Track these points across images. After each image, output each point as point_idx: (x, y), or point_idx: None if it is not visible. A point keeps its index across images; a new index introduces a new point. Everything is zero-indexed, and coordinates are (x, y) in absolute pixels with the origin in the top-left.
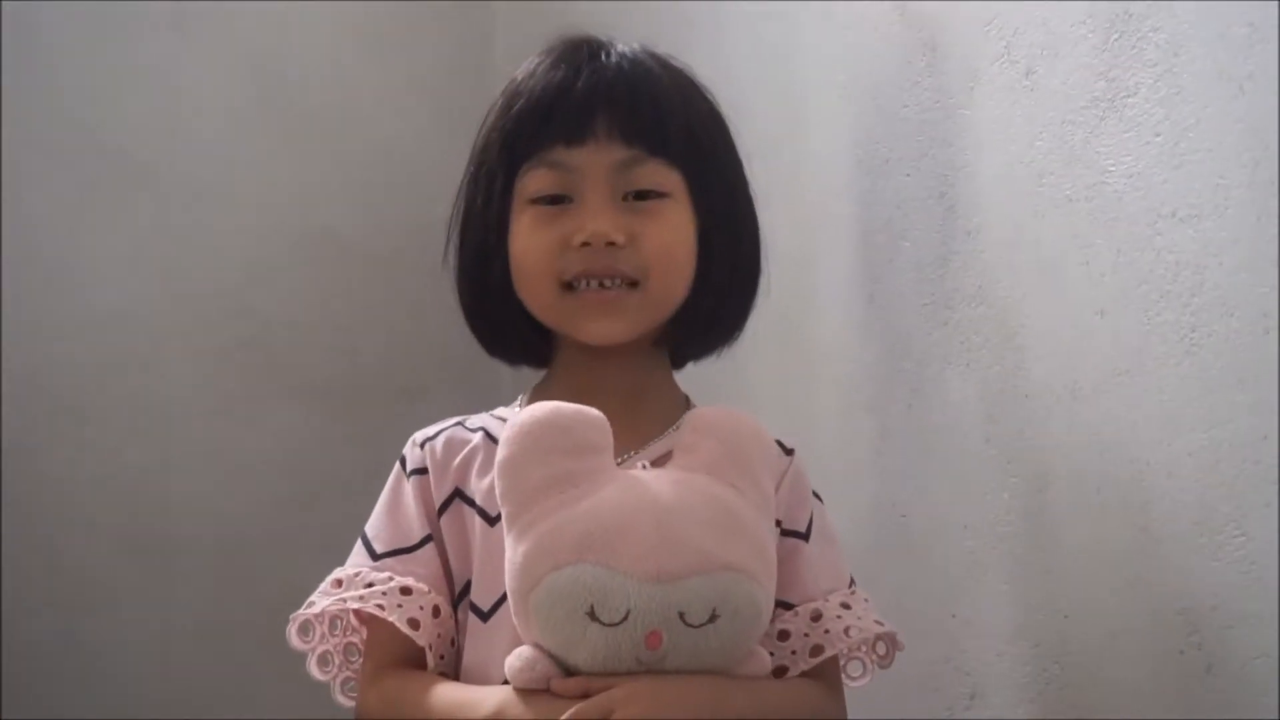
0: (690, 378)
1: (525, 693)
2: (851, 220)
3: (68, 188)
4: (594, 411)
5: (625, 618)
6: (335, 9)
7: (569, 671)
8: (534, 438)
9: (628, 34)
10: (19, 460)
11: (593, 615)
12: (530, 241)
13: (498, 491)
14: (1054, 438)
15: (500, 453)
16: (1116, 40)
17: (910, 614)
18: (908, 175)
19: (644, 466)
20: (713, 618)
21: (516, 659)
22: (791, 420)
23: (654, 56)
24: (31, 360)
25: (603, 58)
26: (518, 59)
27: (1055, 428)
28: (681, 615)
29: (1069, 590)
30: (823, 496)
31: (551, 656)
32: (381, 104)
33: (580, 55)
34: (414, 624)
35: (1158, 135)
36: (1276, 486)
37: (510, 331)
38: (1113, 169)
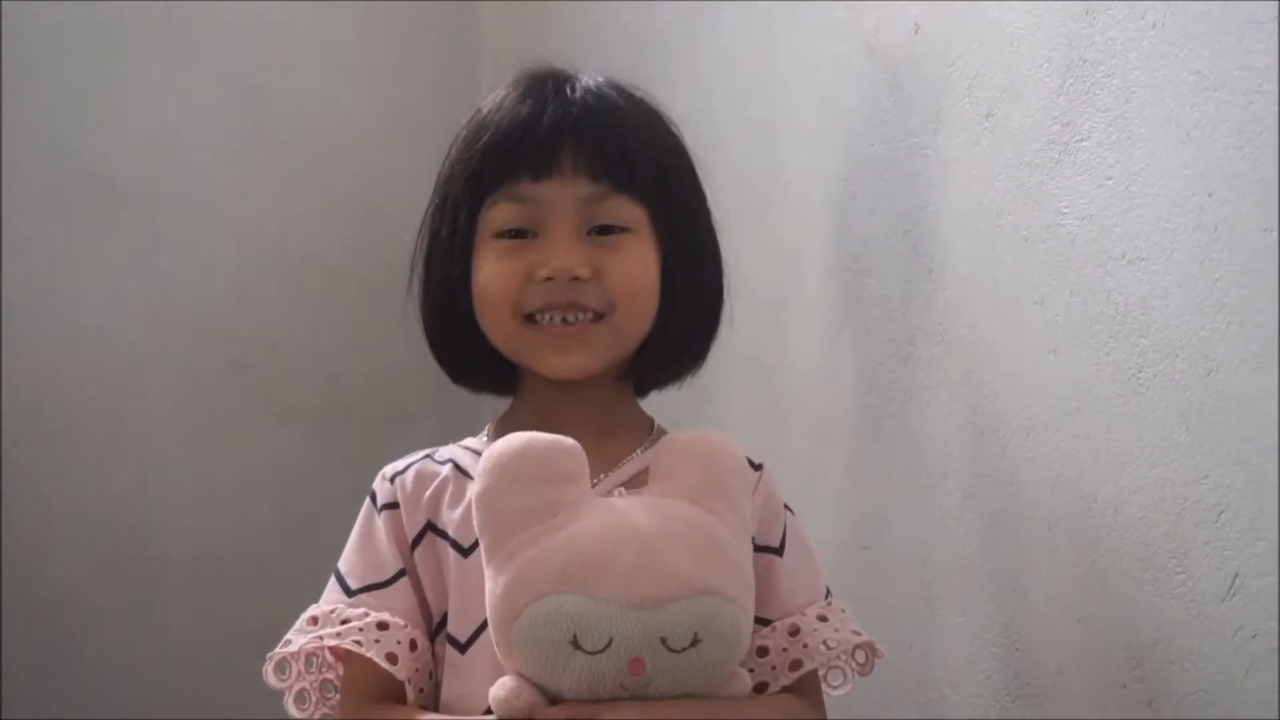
0: (661, 410)
1: None
2: (821, 256)
3: (55, 210)
4: (569, 441)
5: (608, 645)
6: (324, 38)
7: (553, 700)
8: (510, 469)
9: (609, 68)
10: (2, 481)
11: (576, 644)
12: (494, 274)
13: (475, 523)
14: (1008, 473)
15: (477, 485)
16: (1072, 85)
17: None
18: (873, 213)
19: (620, 493)
20: (695, 642)
21: (500, 689)
22: (764, 450)
23: (619, 89)
24: (16, 382)
25: (568, 91)
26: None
27: (1009, 464)
28: (664, 640)
29: (1020, 623)
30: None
31: (535, 685)
32: (368, 132)
33: (546, 89)
34: (392, 659)
35: (1109, 179)
36: (1215, 525)
37: (474, 361)
38: (1067, 211)
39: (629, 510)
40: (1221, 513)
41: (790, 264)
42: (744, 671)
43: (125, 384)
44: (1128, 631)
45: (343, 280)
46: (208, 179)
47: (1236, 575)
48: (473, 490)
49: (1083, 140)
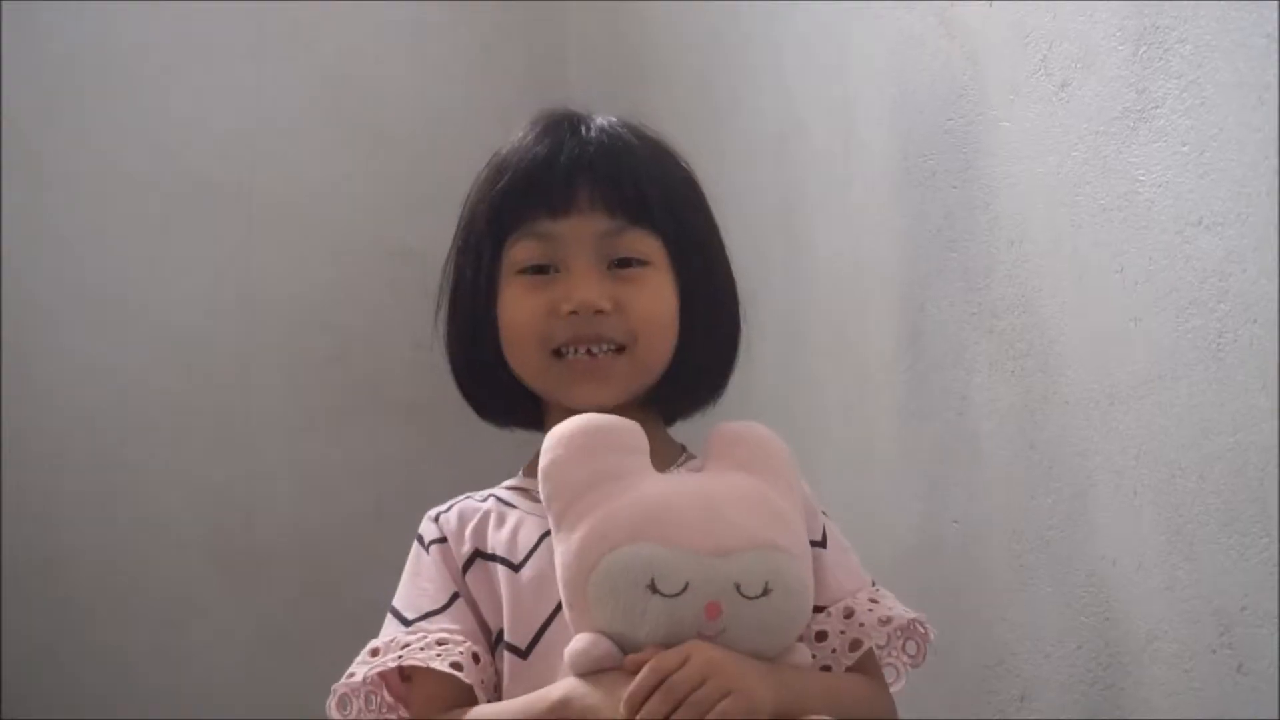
0: (750, 392)
1: (590, 676)
2: (903, 231)
3: (153, 213)
4: (628, 420)
5: (685, 589)
6: (413, 32)
7: (631, 653)
8: (575, 441)
9: (691, 52)
10: (106, 476)
11: (653, 588)
12: (519, 310)
13: (543, 495)
14: (1092, 443)
15: (543, 460)
16: (1145, 52)
17: (964, 618)
18: (954, 187)
19: (677, 472)
20: (765, 591)
21: (578, 642)
22: (846, 427)
23: (630, 128)
24: (121, 380)
25: (583, 131)
26: (591, 79)
27: (1093, 433)
28: (738, 587)
29: (1109, 592)
30: (877, 504)
31: (612, 639)
32: (457, 124)
33: (562, 129)
34: (457, 666)
35: (1184, 145)
36: None
37: (501, 396)
38: (1143, 178)
39: (691, 478)
40: None
41: (873, 240)
42: (804, 646)
43: (227, 380)
44: (1215, 597)
45: (436, 271)
46: (300, 174)
47: None
48: (539, 465)
49: (1157, 107)
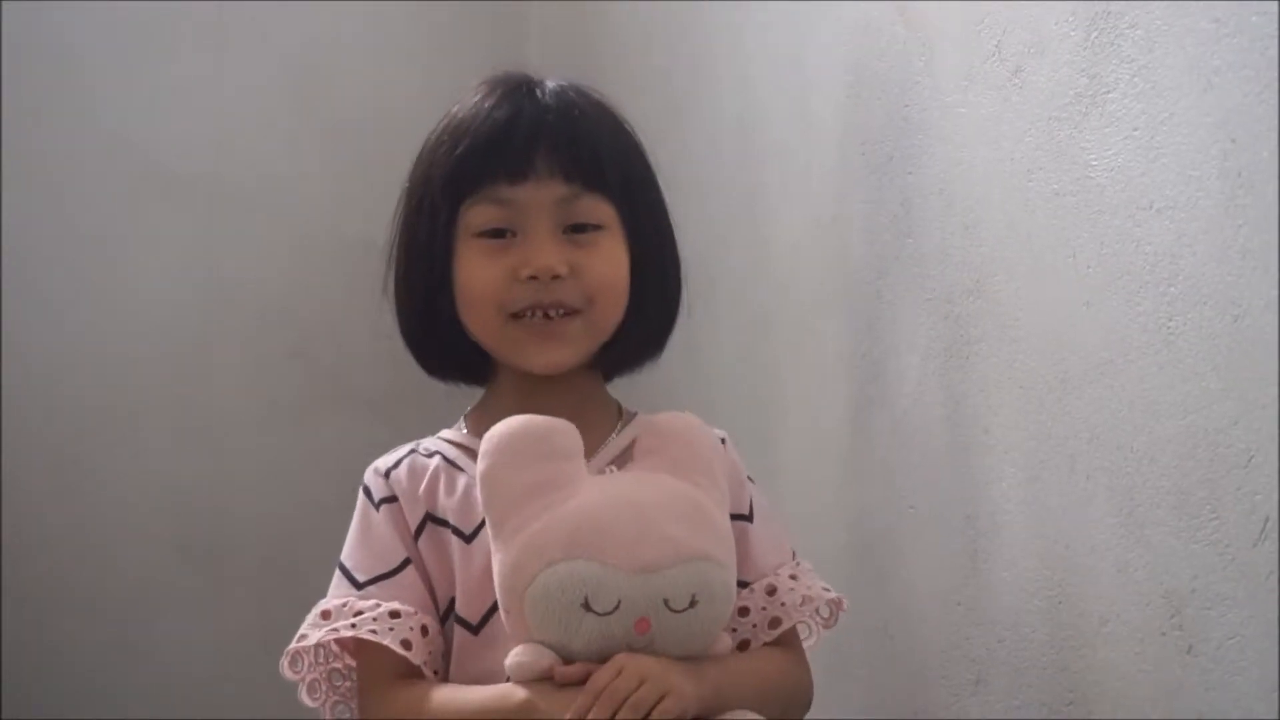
0: (718, 383)
1: (533, 684)
2: (860, 217)
3: (114, 205)
4: (564, 421)
5: (617, 607)
6: (373, 21)
7: (565, 663)
8: (512, 448)
9: (651, 39)
10: (70, 469)
11: (588, 606)
12: (477, 274)
13: (481, 501)
14: (1045, 426)
15: (480, 465)
16: (1096, 37)
17: (918, 603)
18: (910, 173)
19: (611, 470)
20: (693, 603)
21: (519, 654)
22: (804, 413)
23: (580, 92)
24: (82, 372)
25: (539, 95)
26: (552, 67)
27: (1046, 417)
28: (666, 602)
29: (1062, 575)
30: (834, 489)
31: (549, 648)
32: (418, 116)
33: (520, 93)
34: (406, 645)
35: (1135, 130)
36: (1246, 470)
37: (452, 355)
38: (1095, 163)
39: (623, 484)
40: (1251, 458)
41: (830, 228)
42: (725, 634)
43: (189, 373)
44: (1166, 579)
45: None
46: (262, 167)
47: (1267, 519)
48: (477, 470)
49: (1109, 92)
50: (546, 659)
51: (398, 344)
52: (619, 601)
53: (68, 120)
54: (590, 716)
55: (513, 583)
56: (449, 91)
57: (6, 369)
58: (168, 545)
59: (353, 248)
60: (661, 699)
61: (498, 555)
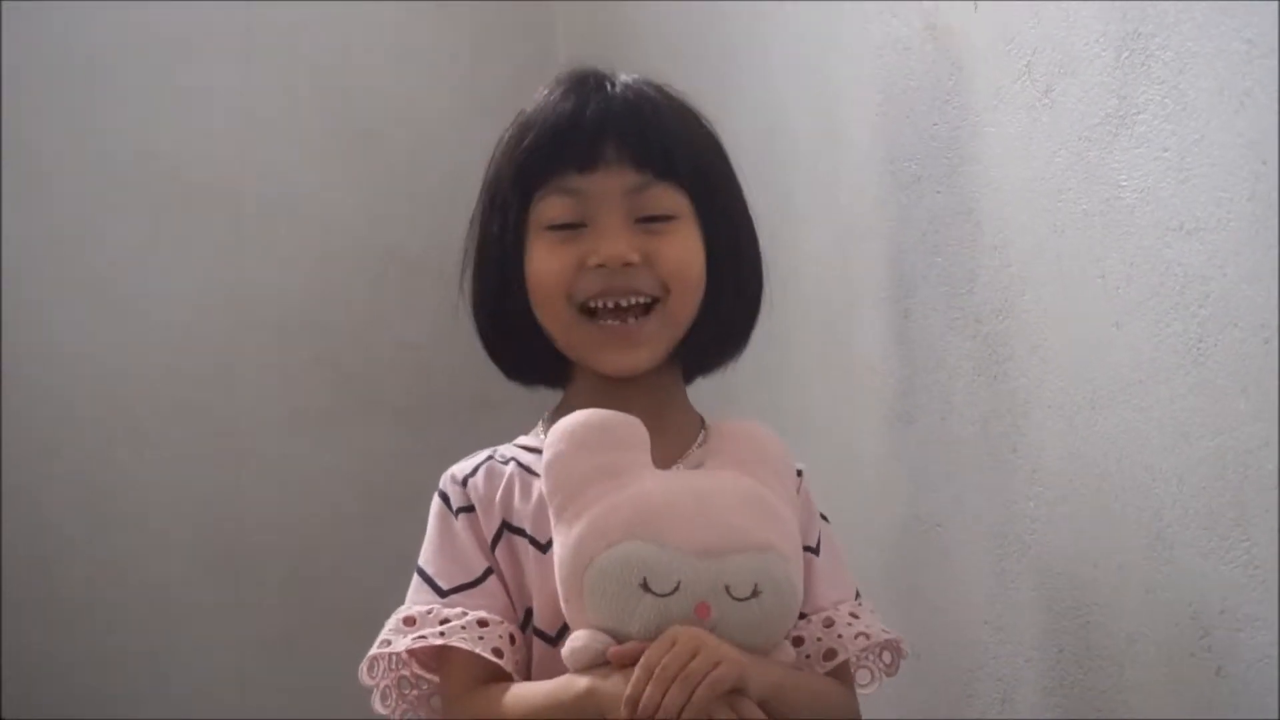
0: (733, 391)
1: (594, 670)
2: (888, 235)
3: (141, 215)
4: (630, 416)
5: (676, 589)
6: (400, 31)
7: None
8: (578, 436)
9: (678, 52)
10: (94, 477)
11: (646, 587)
12: (547, 265)
13: (545, 489)
14: (1073, 447)
15: (546, 454)
16: (1127, 58)
17: (946, 621)
18: (938, 192)
19: (678, 469)
20: (755, 593)
21: (575, 640)
22: (832, 430)
23: (655, 86)
24: (107, 381)
25: (608, 88)
26: None
27: (1075, 437)
28: (727, 589)
29: (1090, 595)
30: (862, 507)
31: (605, 634)
32: (445, 125)
33: (588, 86)
34: (498, 653)
35: (1166, 151)
36: (1276, 492)
37: (528, 356)
38: (1125, 184)
39: (687, 476)
40: None
41: (858, 244)
42: (789, 645)
43: (215, 381)
44: (1195, 600)
45: (424, 271)
46: (289, 176)
47: None
48: (543, 459)
49: (1139, 113)
50: (601, 642)
51: (422, 353)
52: (678, 583)
53: (95, 130)
54: (646, 693)
55: (573, 564)
56: (474, 101)
57: (33, 376)
58: (191, 554)
59: (379, 256)
60: (715, 666)
61: (558, 541)
